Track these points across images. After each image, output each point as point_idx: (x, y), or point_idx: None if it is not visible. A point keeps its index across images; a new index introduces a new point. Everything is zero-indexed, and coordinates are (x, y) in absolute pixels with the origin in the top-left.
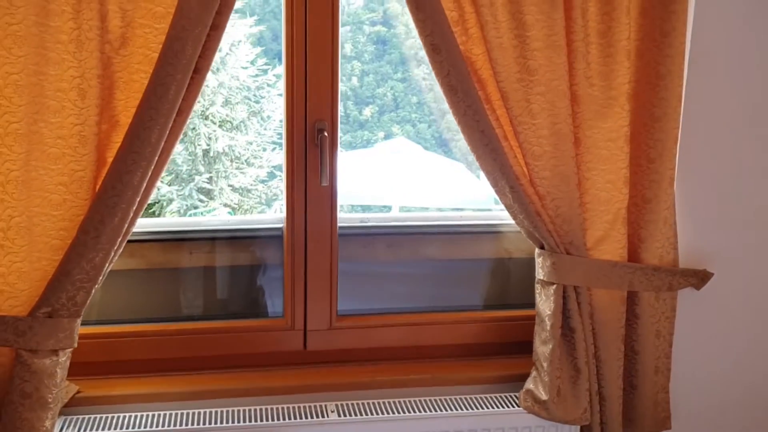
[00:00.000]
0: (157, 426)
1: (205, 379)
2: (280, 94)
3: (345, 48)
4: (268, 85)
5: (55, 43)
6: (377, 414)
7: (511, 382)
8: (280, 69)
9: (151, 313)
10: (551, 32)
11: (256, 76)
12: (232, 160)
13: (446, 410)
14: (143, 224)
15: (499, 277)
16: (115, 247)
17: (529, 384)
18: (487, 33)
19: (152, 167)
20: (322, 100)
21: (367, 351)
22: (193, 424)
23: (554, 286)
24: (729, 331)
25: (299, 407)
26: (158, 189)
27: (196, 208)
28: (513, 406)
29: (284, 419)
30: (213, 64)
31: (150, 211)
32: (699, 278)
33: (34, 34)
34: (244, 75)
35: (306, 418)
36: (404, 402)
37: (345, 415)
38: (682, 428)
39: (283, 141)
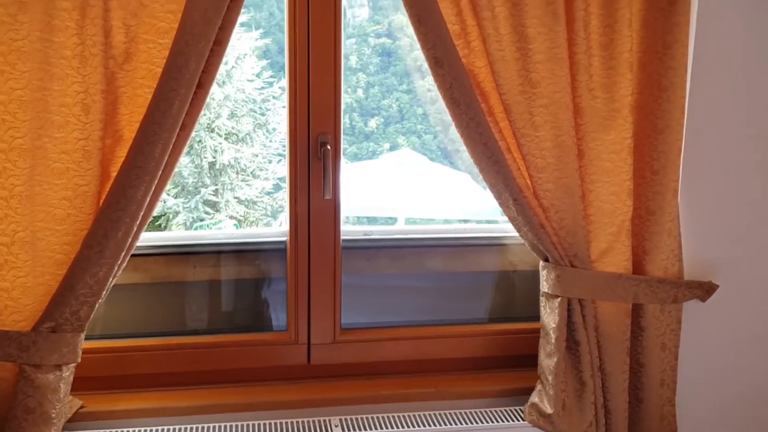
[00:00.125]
0: None
1: (209, 393)
2: (285, 107)
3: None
4: (274, 97)
5: (59, 59)
6: (382, 428)
7: (515, 396)
8: (285, 82)
9: (155, 327)
10: (553, 45)
11: (262, 88)
12: (237, 173)
13: (451, 424)
14: (147, 238)
15: (504, 289)
16: (119, 262)
17: (534, 397)
18: (490, 46)
19: (156, 181)
20: (325, 113)
21: (372, 365)
22: None
23: (559, 299)
24: (735, 344)
25: (303, 422)
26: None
27: (202, 220)
28: (518, 420)
29: None
30: (219, 76)
31: (156, 223)
32: (704, 290)
33: (38, 49)
34: (250, 88)
35: None
36: (409, 416)
37: (349, 430)
38: None
39: (287, 154)
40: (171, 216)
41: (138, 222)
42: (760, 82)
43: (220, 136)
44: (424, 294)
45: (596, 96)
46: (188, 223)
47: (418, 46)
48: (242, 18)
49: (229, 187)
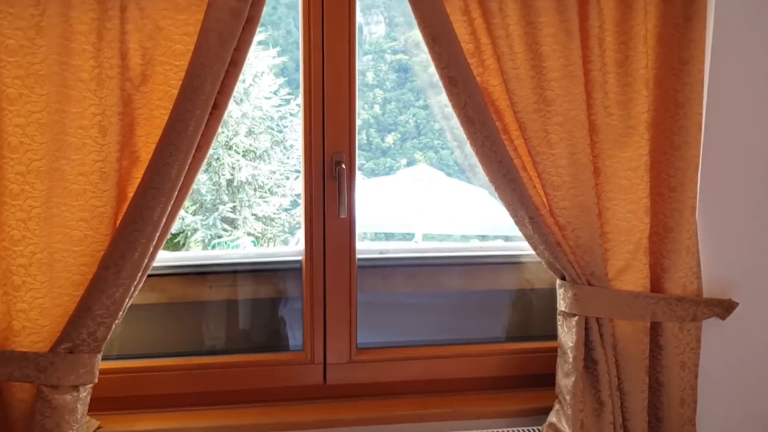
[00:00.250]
0: None
1: (225, 413)
2: (301, 125)
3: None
4: (291, 114)
5: (76, 82)
6: None
7: (533, 416)
8: (300, 101)
9: (172, 348)
10: (568, 62)
11: (279, 106)
12: (255, 189)
13: None
14: (163, 258)
15: (521, 308)
16: (135, 282)
17: (552, 417)
18: (504, 64)
19: (172, 202)
20: (339, 132)
21: (388, 384)
22: None
23: (576, 318)
24: (756, 362)
25: None
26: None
27: (220, 237)
28: None
29: None
30: (236, 94)
31: (175, 240)
32: (724, 308)
33: (56, 72)
34: (267, 105)
35: None
36: None
37: None
38: None
39: (302, 173)
40: (189, 233)
41: (154, 242)
42: None
43: (238, 153)
44: (441, 312)
45: (612, 113)
46: (206, 240)
47: None
48: (260, 36)
49: (247, 204)
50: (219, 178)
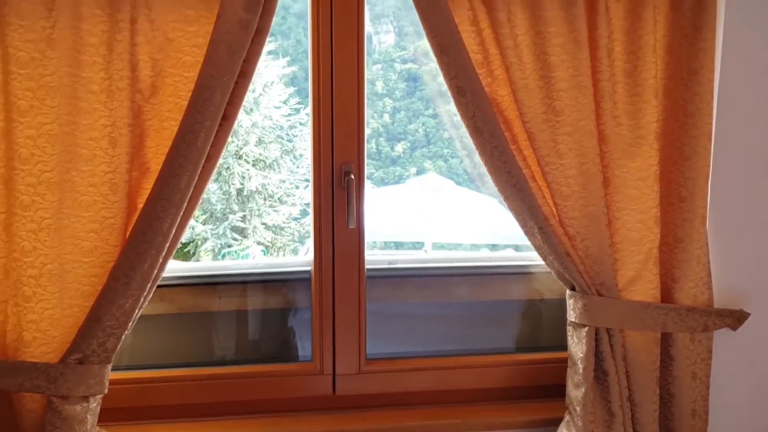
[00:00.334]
0: None
1: (235, 424)
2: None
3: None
4: (301, 123)
5: (86, 93)
6: None
7: (543, 427)
8: (309, 110)
9: (181, 358)
10: (577, 72)
11: (289, 115)
12: (265, 199)
13: None
14: (173, 269)
15: (531, 318)
16: (145, 293)
17: (562, 429)
18: (513, 74)
19: (181, 213)
20: (348, 142)
21: (397, 395)
22: None
23: (586, 328)
24: None
25: None
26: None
27: (230, 246)
28: None
29: None
30: (246, 104)
31: (185, 250)
32: (735, 318)
33: (67, 84)
34: (277, 114)
35: None
36: None
37: None
38: None
39: (311, 183)
40: (199, 242)
41: (164, 253)
42: None
43: (248, 162)
44: (450, 322)
45: (621, 123)
46: (216, 250)
47: None
48: (269, 46)
49: (257, 213)
50: (229, 187)
